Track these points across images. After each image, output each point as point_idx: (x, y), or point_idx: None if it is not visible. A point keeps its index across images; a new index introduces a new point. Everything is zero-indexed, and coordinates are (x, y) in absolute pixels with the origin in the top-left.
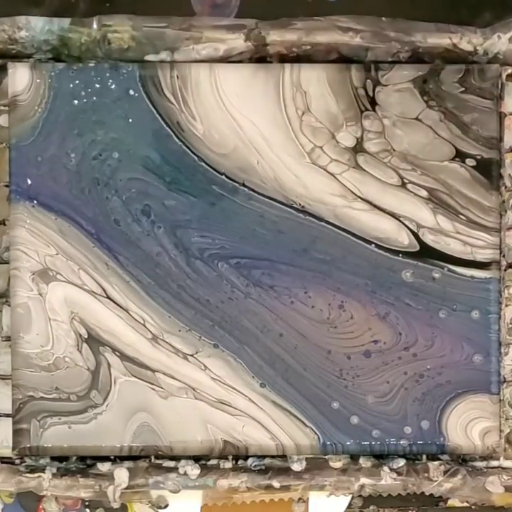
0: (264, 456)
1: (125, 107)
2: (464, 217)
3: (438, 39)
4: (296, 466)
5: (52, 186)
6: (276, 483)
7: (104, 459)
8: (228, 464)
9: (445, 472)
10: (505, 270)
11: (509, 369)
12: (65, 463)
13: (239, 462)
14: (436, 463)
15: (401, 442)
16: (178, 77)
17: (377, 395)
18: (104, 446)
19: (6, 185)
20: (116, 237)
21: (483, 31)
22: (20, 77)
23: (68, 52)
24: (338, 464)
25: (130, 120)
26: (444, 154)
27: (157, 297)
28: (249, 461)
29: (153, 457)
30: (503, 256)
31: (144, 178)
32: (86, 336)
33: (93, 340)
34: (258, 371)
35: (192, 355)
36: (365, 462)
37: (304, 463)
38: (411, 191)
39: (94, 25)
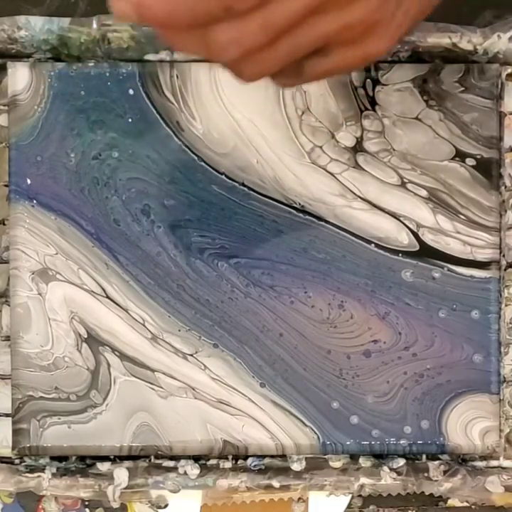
0: (263, 456)
1: (125, 106)
2: (463, 217)
3: (438, 39)
4: (296, 466)
5: (52, 186)
6: (275, 483)
7: (104, 458)
8: (228, 464)
9: (445, 472)
10: (505, 270)
11: (509, 369)
12: (64, 463)
13: (238, 462)
14: (436, 463)
15: (401, 442)
16: (177, 76)
17: (377, 395)
18: (103, 445)
19: (6, 185)
20: (116, 237)
21: (483, 31)
22: (19, 76)
23: (68, 52)
24: (337, 464)
25: (130, 120)
26: (444, 154)
27: (157, 297)
28: (249, 460)
29: (153, 457)
30: (503, 256)
31: (144, 178)
32: (86, 336)
33: (93, 340)
34: (258, 371)
35: (192, 355)
36: (364, 462)
37: (304, 463)
38: (411, 191)
39: (94, 25)
